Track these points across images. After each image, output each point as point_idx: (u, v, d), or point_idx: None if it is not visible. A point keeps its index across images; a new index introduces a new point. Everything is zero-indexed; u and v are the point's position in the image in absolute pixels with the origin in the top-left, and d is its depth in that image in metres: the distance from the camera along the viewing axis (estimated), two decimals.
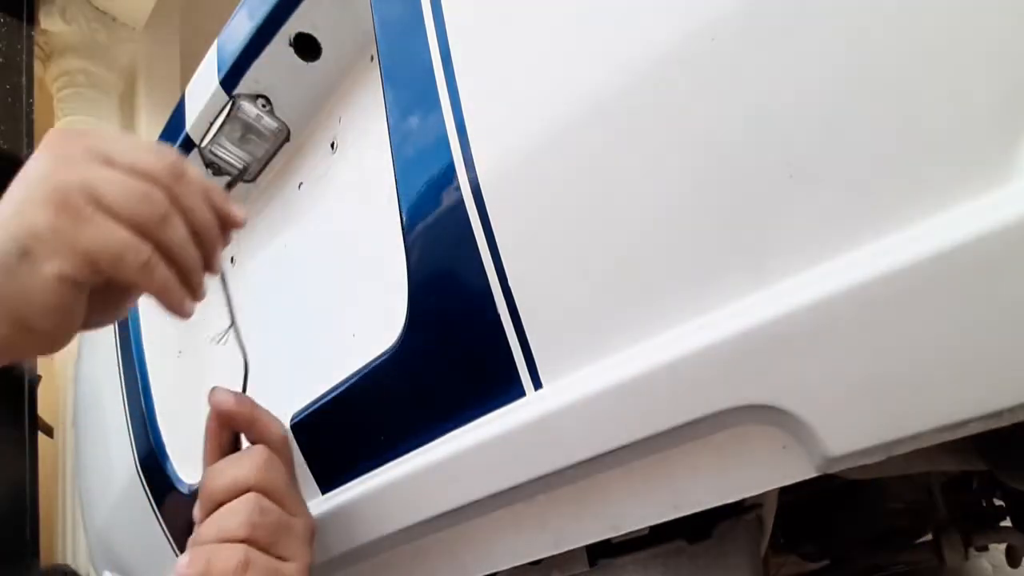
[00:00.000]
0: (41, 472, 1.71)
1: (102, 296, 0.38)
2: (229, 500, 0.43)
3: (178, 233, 0.38)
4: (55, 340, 0.37)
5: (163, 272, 0.37)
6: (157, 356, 0.77)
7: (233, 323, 0.43)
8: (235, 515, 0.42)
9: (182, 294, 0.39)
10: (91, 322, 0.40)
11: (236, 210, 0.43)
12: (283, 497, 0.44)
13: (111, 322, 0.43)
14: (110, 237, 0.35)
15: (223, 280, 0.45)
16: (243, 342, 0.53)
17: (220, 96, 0.62)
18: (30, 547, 1.63)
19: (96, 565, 1.02)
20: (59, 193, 0.35)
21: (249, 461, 0.44)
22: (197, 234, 0.39)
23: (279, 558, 0.42)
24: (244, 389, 0.51)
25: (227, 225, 0.42)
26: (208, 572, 0.40)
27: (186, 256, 0.39)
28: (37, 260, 0.34)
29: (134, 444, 0.78)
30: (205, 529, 0.43)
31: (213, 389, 0.47)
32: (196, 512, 0.45)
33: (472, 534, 0.46)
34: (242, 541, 0.41)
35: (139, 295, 0.42)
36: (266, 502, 0.43)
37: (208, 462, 0.47)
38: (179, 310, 0.39)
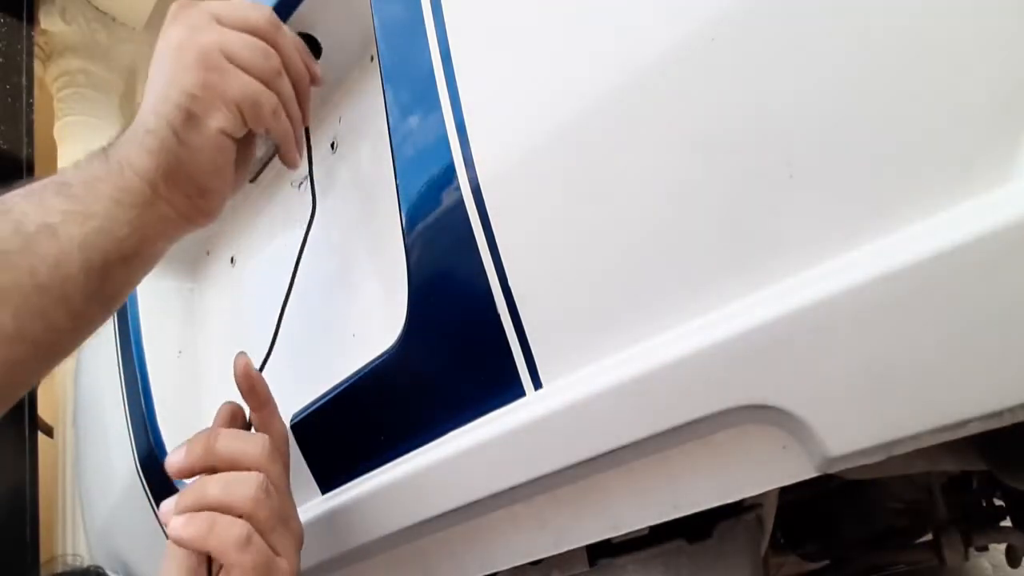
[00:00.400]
0: (41, 472, 1.71)
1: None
2: (230, 470, 0.41)
3: (287, 86, 0.43)
4: (218, 205, 0.43)
5: (285, 119, 0.43)
6: (157, 356, 0.77)
7: (311, 174, 0.46)
8: (245, 484, 0.40)
9: (297, 142, 0.45)
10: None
11: (316, 66, 0.48)
12: (282, 493, 0.43)
13: (238, 188, 0.47)
14: (249, 87, 0.40)
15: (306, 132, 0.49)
16: (315, 195, 0.53)
17: None
18: (30, 547, 1.62)
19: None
20: (202, 56, 0.39)
21: (260, 443, 0.42)
22: (295, 84, 0.45)
23: (273, 549, 0.40)
24: (270, 349, 0.50)
25: (314, 78, 0.47)
26: (206, 539, 0.38)
27: (293, 107, 0.45)
28: (201, 119, 0.39)
29: (134, 444, 0.78)
30: (211, 485, 0.40)
31: (239, 354, 0.46)
32: (185, 459, 0.41)
33: (472, 534, 0.46)
34: (245, 516, 0.39)
35: (253, 157, 0.48)
36: (271, 487, 0.41)
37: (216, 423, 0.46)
38: (294, 157, 0.45)
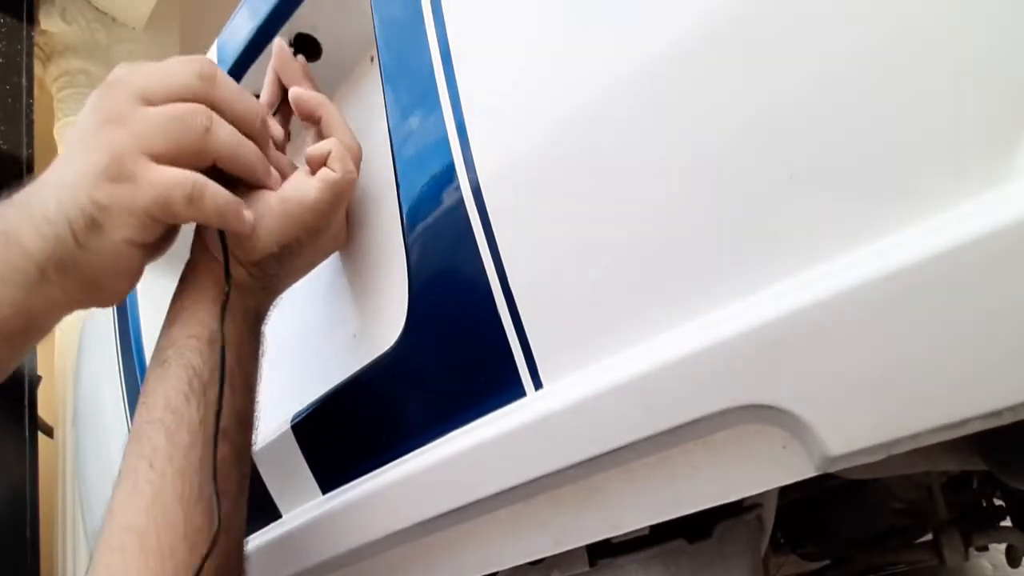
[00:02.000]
0: (41, 472, 1.71)
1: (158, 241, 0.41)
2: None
3: (224, 136, 0.40)
4: (120, 295, 0.41)
5: (211, 197, 0.39)
6: None
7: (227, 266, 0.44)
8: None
9: (237, 213, 0.40)
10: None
11: (270, 118, 0.47)
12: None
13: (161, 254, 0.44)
14: (160, 182, 0.37)
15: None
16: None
17: None
18: (30, 547, 1.63)
19: None
20: (113, 162, 0.36)
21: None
22: (243, 128, 0.42)
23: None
24: None
25: (267, 130, 0.45)
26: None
27: (241, 153, 0.41)
28: (105, 230, 0.37)
29: None
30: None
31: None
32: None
33: (472, 534, 0.46)
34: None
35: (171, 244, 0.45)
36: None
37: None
38: (240, 227, 0.41)
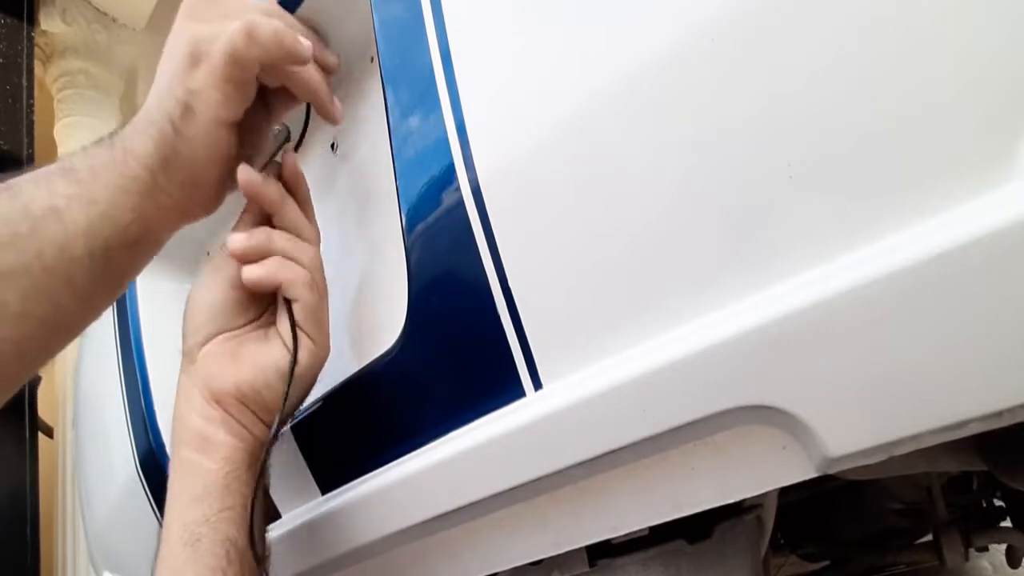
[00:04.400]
0: (41, 472, 1.71)
1: (247, 132, 0.44)
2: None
3: (296, 40, 0.42)
4: (213, 197, 0.44)
5: (265, 25, 0.40)
6: (157, 356, 0.77)
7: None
8: (308, 247, 0.46)
9: (292, 37, 0.41)
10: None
11: (329, 53, 0.50)
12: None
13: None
14: (222, 38, 0.39)
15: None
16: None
17: None
18: (30, 547, 1.63)
19: (96, 565, 1.02)
20: (194, 47, 0.40)
21: (312, 251, 0.47)
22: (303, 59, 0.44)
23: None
24: None
25: (327, 66, 0.49)
26: (276, 273, 0.43)
27: (306, 66, 0.44)
28: (197, 111, 0.40)
29: (134, 444, 0.78)
30: (278, 236, 0.45)
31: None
32: (247, 240, 0.44)
33: (472, 534, 0.46)
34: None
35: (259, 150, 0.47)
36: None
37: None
38: (296, 48, 0.42)
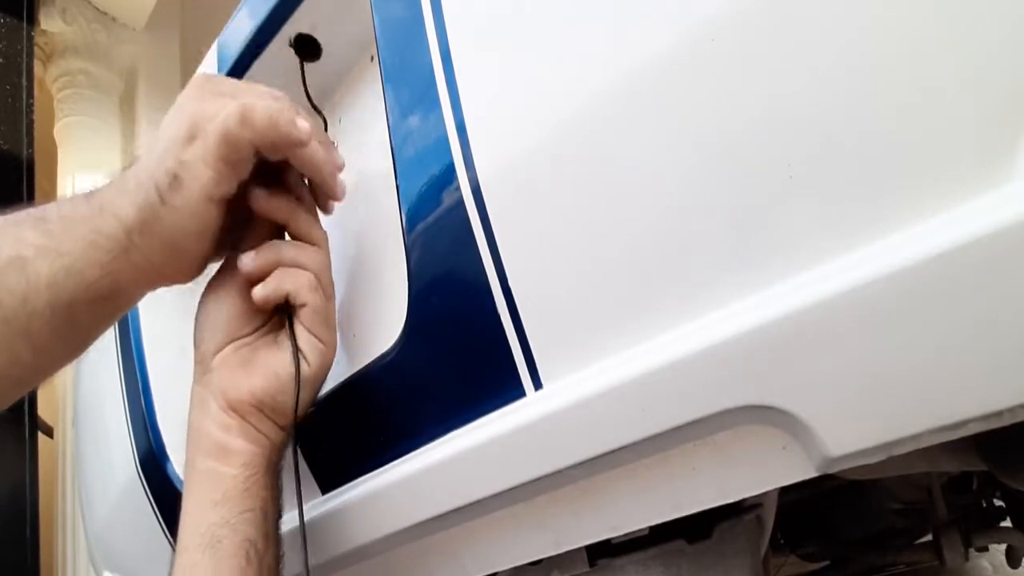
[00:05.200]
0: (41, 472, 1.71)
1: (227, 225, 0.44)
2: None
3: (298, 125, 0.42)
4: (195, 264, 0.43)
5: (261, 109, 0.40)
6: (157, 356, 0.77)
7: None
8: (313, 252, 0.46)
9: (288, 117, 0.41)
10: (213, 255, 0.45)
11: (338, 155, 0.49)
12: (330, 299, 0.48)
13: (221, 255, 0.48)
14: (219, 119, 0.40)
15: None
16: None
17: None
18: (30, 547, 1.63)
19: (96, 565, 1.02)
20: (193, 124, 0.40)
21: (318, 255, 0.47)
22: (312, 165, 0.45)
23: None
24: None
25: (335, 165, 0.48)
26: (281, 282, 0.43)
27: (311, 145, 0.44)
28: (185, 184, 0.40)
29: (134, 444, 0.78)
30: (285, 246, 0.45)
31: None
32: (255, 260, 0.45)
33: (472, 534, 0.46)
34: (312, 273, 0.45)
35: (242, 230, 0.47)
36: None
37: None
38: (291, 130, 0.41)
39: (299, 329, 0.45)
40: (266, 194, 0.45)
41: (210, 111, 0.40)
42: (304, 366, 0.45)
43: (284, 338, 0.46)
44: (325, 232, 0.49)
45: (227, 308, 0.46)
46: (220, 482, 0.43)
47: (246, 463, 0.44)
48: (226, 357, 0.46)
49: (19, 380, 0.40)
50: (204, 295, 0.48)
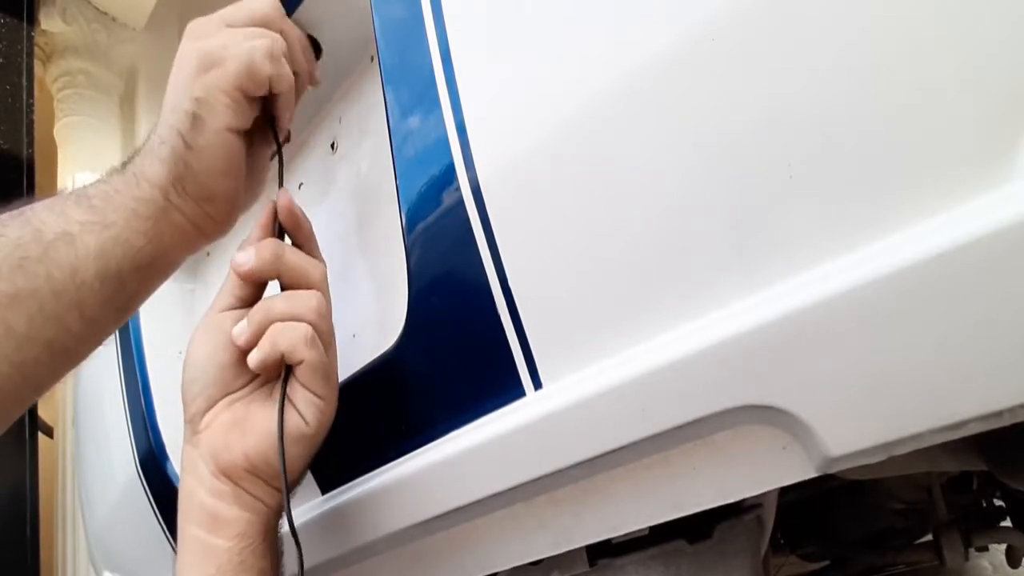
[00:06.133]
0: (41, 472, 1.71)
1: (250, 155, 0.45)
2: (294, 284, 0.44)
3: (287, 67, 0.44)
4: (228, 212, 0.44)
5: (286, 66, 0.43)
6: (157, 356, 0.77)
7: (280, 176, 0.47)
8: (307, 297, 0.43)
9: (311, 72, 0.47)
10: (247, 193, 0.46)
11: (315, 66, 0.51)
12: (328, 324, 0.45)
13: (251, 200, 0.48)
14: (245, 47, 0.41)
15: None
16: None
17: None
18: (30, 547, 1.63)
19: (96, 565, 1.02)
20: (205, 56, 0.41)
21: (321, 268, 0.46)
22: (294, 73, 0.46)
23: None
24: None
25: (311, 77, 0.50)
26: (276, 343, 0.41)
27: (294, 80, 0.45)
28: (206, 121, 0.41)
29: (134, 444, 0.78)
30: (276, 302, 0.43)
31: (282, 191, 0.46)
32: (254, 261, 0.43)
33: (472, 534, 0.46)
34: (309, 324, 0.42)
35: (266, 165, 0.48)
36: (324, 308, 0.44)
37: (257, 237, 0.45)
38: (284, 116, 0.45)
39: (296, 387, 0.42)
40: (243, 256, 0.43)
41: (222, 43, 0.41)
42: (302, 425, 0.42)
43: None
44: (324, 262, 0.47)
45: (215, 362, 0.44)
46: (213, 555, 0.41)
47: (240, 533, 0.41)
48: (217, 416, 0.44)
49: (70, 351, 0.41)
50: (192, 344, 0.45)
